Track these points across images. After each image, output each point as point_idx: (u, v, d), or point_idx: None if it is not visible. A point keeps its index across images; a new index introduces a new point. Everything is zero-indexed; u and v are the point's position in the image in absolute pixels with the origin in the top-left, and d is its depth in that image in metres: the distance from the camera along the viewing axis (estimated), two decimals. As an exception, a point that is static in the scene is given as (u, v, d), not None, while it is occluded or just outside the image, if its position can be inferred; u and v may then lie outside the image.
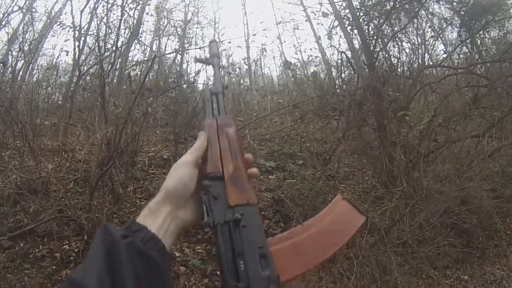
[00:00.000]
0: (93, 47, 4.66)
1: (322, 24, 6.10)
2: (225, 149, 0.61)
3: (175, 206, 0.55)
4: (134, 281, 0.45)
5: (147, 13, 5.13)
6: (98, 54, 3.93)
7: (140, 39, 5.14)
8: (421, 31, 5.30)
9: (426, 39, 5.45)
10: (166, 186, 0.56)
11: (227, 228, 0.54)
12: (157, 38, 6.43)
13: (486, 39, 5.98)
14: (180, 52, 5.81)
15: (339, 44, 4.41)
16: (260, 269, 0.52)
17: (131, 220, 0.52)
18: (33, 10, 5.82)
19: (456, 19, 5.64)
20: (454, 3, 5.45)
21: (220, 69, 0.74)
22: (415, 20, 4.87)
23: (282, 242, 0.57)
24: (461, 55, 5.72)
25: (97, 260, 0.46)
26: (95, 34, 4.28)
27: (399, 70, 4.53)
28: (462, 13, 5.46)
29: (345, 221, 0.61)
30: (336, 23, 4.41)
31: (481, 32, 5.65)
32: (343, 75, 4.26)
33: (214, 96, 0.68)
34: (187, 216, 0.57)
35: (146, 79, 3.37)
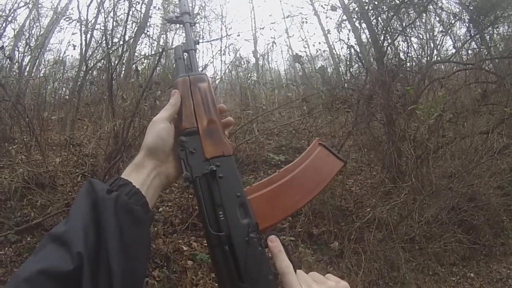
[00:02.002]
0: (100, 41, 4.67)
1: (330, 18, 6.07)
2: (198, 104, 0.61)
3: (158, 161, 0.56)
4: (118, 233, 0.45)
5: (154, 7, 5.14)
6: (106, 48, 3.93)
7: (148, 33, 5.16)
8: (430, 26, 5.26)
9: (435, 34, 5.41)
10: (146, 143, 0.57)
11: (206, 181, 0.55)
12: (164, 32, 6.43)
13: (495, 35, 5.92)
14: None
15: (348, 38, 4.39)
16: (239, 218, 0.53)
17: (116, 176, 0.53)
18: (39, 5, 5.84)
19: (464, 14, 5.58)
20: (463, -2, 5.40)
21: (191, 26, 0.72)
22: (424, 14, 4.82)
23: (260, 190, 0.58)
24: (469, 51, 5.67)
25: (82, 213, 0.46)
26: (102, 28, 4.29)
27: (407, 65, 4.49)
28: (471, 8, 5.40)
29: (323, 167, 0.60)
30: (345, 17, 4.38)
31: (490, 28, 5.59)
32: (351, 69, 4.24)
33: (186, 53, 0.68)
34: (170, 171, 0.58)
35: (154, 73, 3.37)
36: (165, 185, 0.58)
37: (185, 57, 0.67)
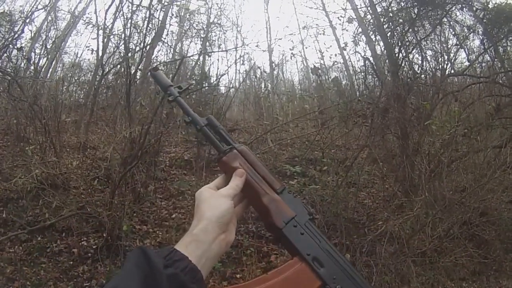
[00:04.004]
0: (117, 46, 4.74)
1: (347, 30, 6.08)
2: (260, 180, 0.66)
3: (221, 232, 0.57)
4: None
5: (172, 16, 5.20)
6: (124, 53, 3.99)
7: (164, 40, 5.22)
8: (444, 39, 5.25)
9: (449, 47, 5.40)
10: (211, 215, 0.57)
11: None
12: (180, 40, 6.49)
13: (509, 47, 5.88)
14: (203, 54, 5.86)
15: (364, 50, 4.40)
16: None
17: (171, 247, 0.52)
18: (57, 8, 5.94)
19: (478, 26, 5.57)
20: (478, 11, 5.38)
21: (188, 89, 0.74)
22: (439, 27, 4.82)
23: None
24: (483, 64, 5.64)
25: (133, 284, 0.45)
26: (121, 33, 4.35)
27: (422, 77, 4.48)
28: (485, 21, 5.39)
29: (298, 283, 0.60)
30: (360, 29, 4.40)
31: (503, 40, 5.57)
32: (366, 82, 4.24)
33: (207, 128, 0.69)
34: (230, 238, 0.59)
35: (173, 80, 3.41)
36: (223, 252, 0.59)
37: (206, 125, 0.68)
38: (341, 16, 4.30)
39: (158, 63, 4.79)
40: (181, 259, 0.50)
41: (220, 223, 0.57)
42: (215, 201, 0.60)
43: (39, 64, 5.67)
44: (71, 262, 3.49)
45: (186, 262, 0.49)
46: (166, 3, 4.41)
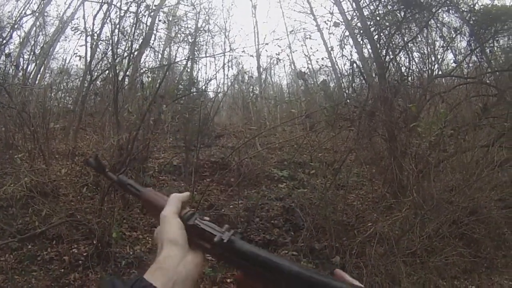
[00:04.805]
0: (105, 52, 4.71)
1: (333, 34, 6.13)
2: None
3: (182, 256, 0.57)
4: None
5: (160, 20, 5.19)
6: (111, 59, 3.97)
7: (152, 46, 5.21)
8: (431, 41, 5.31)
9: (436, 48, 5.46)
10: (169, 236, 0.58)
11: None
12: (168, 46, 6.47)
13: (495, 48, 5.97)
14: (191, 59, 5.85)
15: (351, 54, 4.43)
16: None
17: (138, 276, 0.53)
18: (46, 14, 5.89)
19: (465, 28, 5.64)
20: (464, 12, 5.45)
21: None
22: (425, 29, 4.87)
23: None
24: (470, 64, 5.71)
25: None
26: (109, 39, 4.33)
27: (409, 79, 4.53)
28: (472, 22, 5.46)
29: None
30: (347, 33, 4.43)
31: (490, 41, 5.64)
32: (353, 85, 4.28)
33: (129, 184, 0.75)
34: (197, 259, 0.59)
35: (160, 86, 3.40)
36: (196, 273, 0.58)
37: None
38: (328, 20, 4.34)
39: (145, 69, 4.79)
40: (146, 286, 0.51)
41: (176, 242, 0.57)
42: (166, 222, 0.60)
43: (28, 70, 5.64)
44: (62, 270, 3.46)
45: None
46: (153, 9, 4.40)
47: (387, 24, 4.36)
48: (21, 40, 5.70)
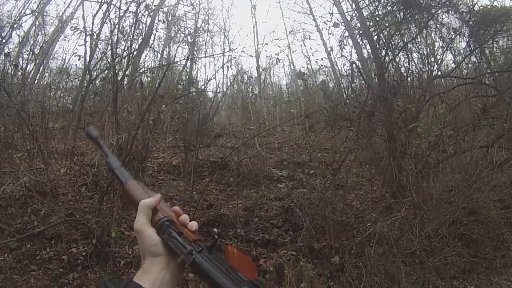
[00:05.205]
0: (104, 52, 4.71)
1: (333, 34, 6.16)
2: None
3: (166, 258, 0.61)
4: None
5: (159, 20, 5.19)
6: (111, 59, 3.97)
7: (152, 46, 5.20)
8: (431, 41, 5.32)
9: (435, 49, 5.47)
10: (147, 249, 0.61)
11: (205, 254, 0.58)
12: (168, 46, 6.48)
13: (495, 48, 5.98)
14: (191, 59, 5.85)
15: (350, 54, 4.44)
16: None
17: (128, 279, 0.58)
18: (45, 13, 5.89)
19: (465, 29, 5.65)
20: (463, 13, 5.46)
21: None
22: (425, 30, 4.88)
23: None
24: (469, 65, 5.72)
25: None
26: (108, 39, 4.33)
27: (408, 80, 4.54)
28: (471, 23, 5.47)
29: None
30: (347, 33, 4.44)
31: (489, 42, 5.66)
32: (353, 85, 4.29)
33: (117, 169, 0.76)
34: (179, 265, 0.61)
35: (159, 86, 3.41)
36: (178, 276, 0.62)
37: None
38: (327, 21, 4.35)
39: (145, 69, 4.79)
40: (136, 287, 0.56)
41: (157, 252, 0.60)
42: (142, 234, 0.63)
43: (27, 70, 5.63)
44: (61, 270, 3.45)
45: None
46: (153, 9, 4.40)
47: (387, 24, 4.37)
48: (20, 39, 5.71)
